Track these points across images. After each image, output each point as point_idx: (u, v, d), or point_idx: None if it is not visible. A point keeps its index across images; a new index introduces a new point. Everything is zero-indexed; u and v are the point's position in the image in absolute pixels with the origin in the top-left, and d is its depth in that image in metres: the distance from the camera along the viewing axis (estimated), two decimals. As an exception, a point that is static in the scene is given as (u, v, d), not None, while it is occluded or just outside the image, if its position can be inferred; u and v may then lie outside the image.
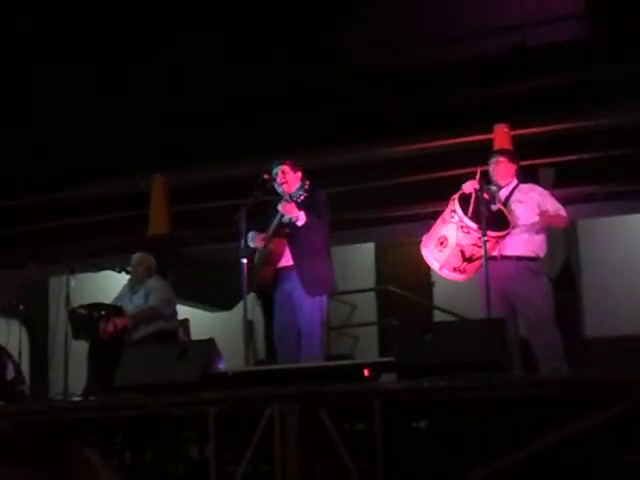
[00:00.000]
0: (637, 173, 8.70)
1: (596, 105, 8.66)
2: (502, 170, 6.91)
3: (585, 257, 10.51)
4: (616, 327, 9.48)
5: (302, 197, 6.66)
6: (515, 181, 6.93)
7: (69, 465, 1.62)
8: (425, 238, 6.86)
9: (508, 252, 6.69)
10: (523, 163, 8.11)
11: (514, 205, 6.79)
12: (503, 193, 6.86)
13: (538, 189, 6.89)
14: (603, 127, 8.81)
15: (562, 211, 6.81)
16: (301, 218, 6.72)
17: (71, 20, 9.84)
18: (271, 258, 6.90)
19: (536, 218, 6.74)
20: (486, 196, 6.58)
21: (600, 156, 8.76)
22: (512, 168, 6.94)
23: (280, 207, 6.74)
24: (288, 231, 6.83)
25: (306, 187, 6.71)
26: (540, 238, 6.80)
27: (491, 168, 6.94)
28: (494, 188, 6.85)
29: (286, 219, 6.81)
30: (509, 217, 6.69)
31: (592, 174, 8.92)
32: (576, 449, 5.16)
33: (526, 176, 7.19)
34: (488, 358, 5.46)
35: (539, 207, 6.77)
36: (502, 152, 7.21)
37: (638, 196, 9.09)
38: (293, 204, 6.68)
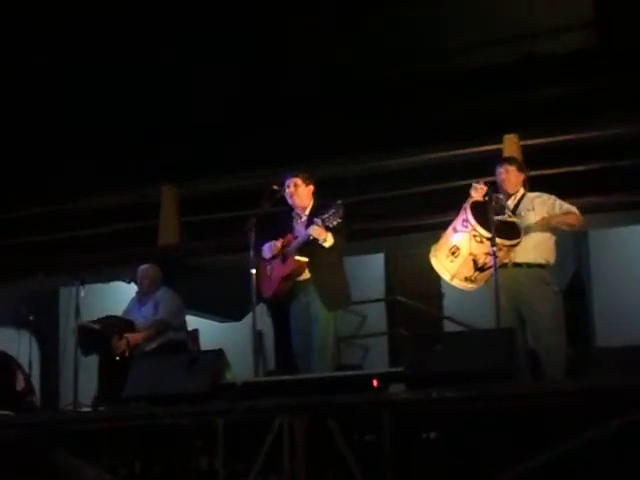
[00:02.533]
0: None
1: (606, 114, 8.65)
2: (512, 179, 6.90)
3: (596, 267, 10.48)
4: (627, 337, 9.43)
5: (335, 223, 6.60)
6: (522, 190, 6.94)
7: (56, 476, 1.62)
8: (435, 248, 6.84)
9: (519, 259, 6.69)
10: (533, 173, 8.12)
11: (524, 213, 6.78)
12: (511, 202, 6.86)
13: (546, 195, 6.87)
14: (613, 136, 8.80)
15: (574, 208, 6.78)
16: (329, 240, 6.72)
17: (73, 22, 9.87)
18: (292, 275, 6.90)
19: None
20: (495, 206, 6.57)
21: (610, 165, 8.75)
22: (520, 177, 6.95)
23: (311, 230, 6.68)
24: (310, 249, 6.82)
25: (340, 213, 6.58)
26: (550, 245, 6.80)
27: (501, 177, 6.92)
28: (502, 197, 6.83)
29: (311, 238, 6.78)
30: (520, 225, 6.67)
31: (602, 184, 8.90)
32: (587, 459, 5.13)
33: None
34: (497, 368, 5.44)
35: (548, 212, 6.75)
36: (511, 161, 7.18)
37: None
38: (323, 228, 6.66)
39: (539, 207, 6.79)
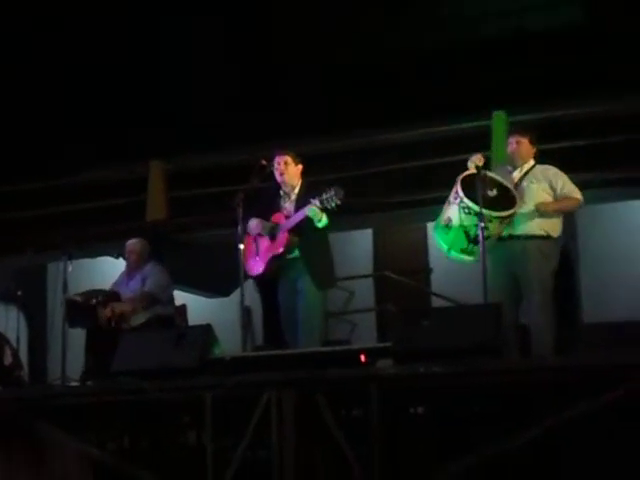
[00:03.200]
0: (636, 159, 8.70)
1: (594, 91, 8.64)
2: (523, 151, 6.77)
3: (583, 243, 10.50)
4: (614, 314, 9.48)
5: (333, 204, 6.55)
6: (532, 162, 6.82)
7: (39, 450, 1.62)
8: (436, 221, 6.82)
9: (518, 231, 6.60)
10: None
11: (527, 185, 6.69)
12: (517, 173, 6.78)
13: (553, 169, 6.78)
14: (601, 113, 8.81)
15: (576, 192, 6.68)
16: (323, 220, 6.72)
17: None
18: (284, 253, 6.90)
19: (548, 197, 6.66)
20: (482, 183, 6.51)
21: (598, 142, 8.76)
22: (532, 150, 6.81)
23: (307, 210, 6.65)
24: (301, 228, 6.82)
25: (340, 195, 6.55)
26: (553, 216, 6.67)
27: (511, 147, 6.81)
28: (491, 174, 6.78)
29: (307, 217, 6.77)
30: (516, 197, 6.62)
31: (590, 160, 8.91)
32: (571, 436, 5.17)
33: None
34: (484, 343, 5.45)
35: (551, 187, 6.68)
36: (523, 132, 6.94)
37: (636, 182, 9.08)
38: (320, 208, 6.60)
39: (544, 180, 6.68)
